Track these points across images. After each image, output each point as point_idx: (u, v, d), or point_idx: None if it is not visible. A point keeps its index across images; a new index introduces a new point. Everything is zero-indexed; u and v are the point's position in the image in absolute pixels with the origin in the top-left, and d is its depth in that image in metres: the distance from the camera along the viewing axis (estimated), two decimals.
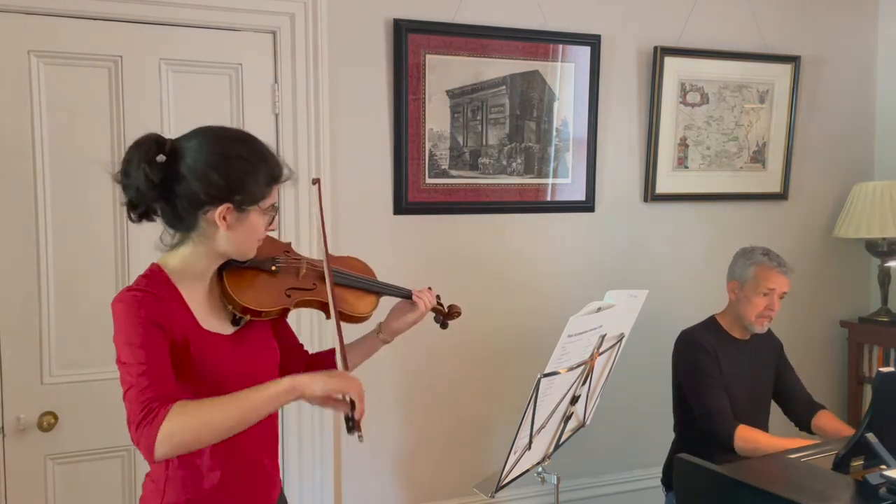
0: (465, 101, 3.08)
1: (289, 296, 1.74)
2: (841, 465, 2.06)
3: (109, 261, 2.63)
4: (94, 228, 2.61)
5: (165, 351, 1.56)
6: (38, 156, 2.52)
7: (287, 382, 1.54)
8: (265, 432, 1.75)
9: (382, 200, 2.99)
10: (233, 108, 2.76)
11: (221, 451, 1.65)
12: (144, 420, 1.47)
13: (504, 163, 3.18)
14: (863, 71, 3.92)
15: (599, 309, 1.84)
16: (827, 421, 2.88)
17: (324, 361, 1.96)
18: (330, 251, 1.84)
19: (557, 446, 2.06)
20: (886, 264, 3.72)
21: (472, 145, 3.11)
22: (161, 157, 1.60)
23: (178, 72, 2.69)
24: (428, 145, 3.03)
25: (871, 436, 2.05)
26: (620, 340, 2.06)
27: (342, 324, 1.77)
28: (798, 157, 3.77)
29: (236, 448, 1.66)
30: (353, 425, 1.59)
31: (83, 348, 2.60)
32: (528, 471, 1.98)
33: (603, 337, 1.91)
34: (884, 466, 2.02)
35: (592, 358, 1.92)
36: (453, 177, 3.09)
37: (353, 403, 1.57)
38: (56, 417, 2.56)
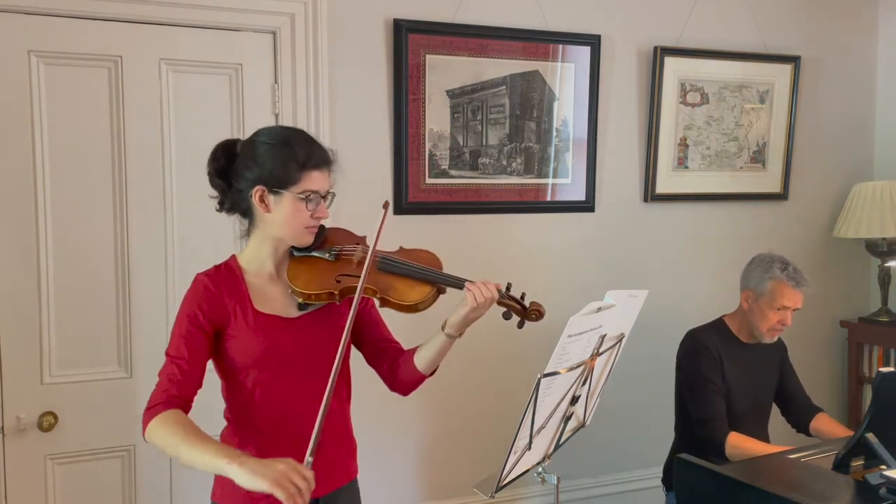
0: (465, 101, 3.08)
1: (338, 281, 1.85)
2: (841, 465, 2.06)
3: (109, 261, 2.63)
4: (94, 228, 2.61)
5: (203, 347, 1.77)
6: (38, 156, 2.52)
7: (224, 463, 1.57)
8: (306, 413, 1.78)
9: (382, 200, 2.98)
10: (233, 108, 2.76)
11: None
12: (150, 410, 1.72)
13: (504, 163, 3.17)
14: (863, 71, 3.92)
15: (599, 309, 1.84)
16: (825, 424, 2.87)
17: (409, 362, 1.97)
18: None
19: (557, 446, 2.06)
20: (886, 264, 3.72)
21: (472, 145, 3.11)
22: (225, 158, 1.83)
23: (178, 72, 2.68)
24: (428, 145, 3.03)
25: (871, 436, 2.05)
26: (620, 341, 2.05)
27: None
28: (798, 157, 3.77)
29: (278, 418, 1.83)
30: None
31: (83, 348, 2.60)
32: (528, 471, 1.98)
33: (603, 337, 1.91)
34: (884, 466, 2.02)
35: (592, 358, 1.91)
36: (453, 177, 3.09)
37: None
38: (56, 417, 2.56)
